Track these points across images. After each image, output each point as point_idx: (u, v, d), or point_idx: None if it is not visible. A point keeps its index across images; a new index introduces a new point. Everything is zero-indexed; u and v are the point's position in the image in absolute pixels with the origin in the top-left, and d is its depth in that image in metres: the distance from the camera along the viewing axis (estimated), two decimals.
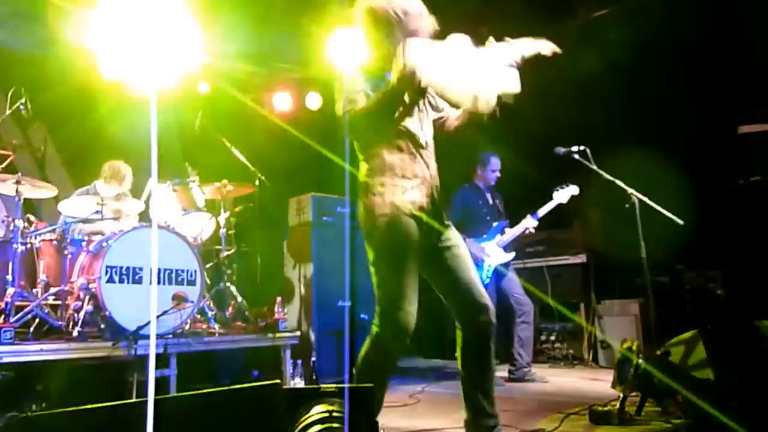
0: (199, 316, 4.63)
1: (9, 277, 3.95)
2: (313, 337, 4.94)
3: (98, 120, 6.11)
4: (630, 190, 3.63)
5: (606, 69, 5.66)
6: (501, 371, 4.96)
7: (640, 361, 3.06)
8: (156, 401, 1.79)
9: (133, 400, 3.01)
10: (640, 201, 3.60)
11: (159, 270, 4.18)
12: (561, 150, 3.99)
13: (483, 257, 4.80)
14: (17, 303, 3.92)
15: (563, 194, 4.83)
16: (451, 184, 5.15)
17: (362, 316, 5.17)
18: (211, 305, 4.83)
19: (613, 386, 3.23)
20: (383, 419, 2.76)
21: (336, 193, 5.38)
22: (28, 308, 3.92)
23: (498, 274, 4.87)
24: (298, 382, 4.48)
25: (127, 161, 5.22)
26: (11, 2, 5.67)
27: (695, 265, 5.11)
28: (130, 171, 5.14)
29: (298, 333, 4.91)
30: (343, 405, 2.08)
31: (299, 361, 4.62)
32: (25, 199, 4.28)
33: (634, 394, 3.13)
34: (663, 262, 4.60)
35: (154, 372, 3.55)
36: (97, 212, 4.37)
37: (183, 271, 4.27)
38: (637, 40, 5.43)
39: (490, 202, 5.09)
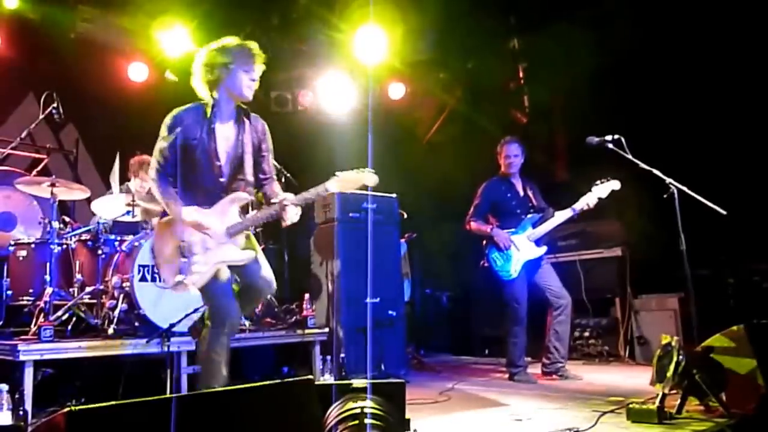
0: None
1: (47, 277, 4.04)
2: (341, 333, 4.93)
3: (127, 122, 6.21)
4: (668, 180, 3.51)
5: (646, 52, 5.54)
6: (534, 368, 4.89)
7: (681, 357, 2.97)
8: (190, 397, 1.80)
9: (169, 395, 3.04)
10: (679, 191, 3.47)
11: None
12: (594, 140, 3.87)
13: (511, 249, 4.71)
14: (55, 302, 4.01)
15: (603, 189, 4.61)
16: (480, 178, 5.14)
17: (390, 312, 5.14)
18: None
19: (652, 384, 3.14)
20: (413, 416, 2.72)
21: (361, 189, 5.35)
22: (66, 307, 4.02)
23: (531, 268, 4.76)
24: (328, 378, 4.48)
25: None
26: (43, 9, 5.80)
27: (738, 258, 4.94)
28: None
29: (326, 329, 4.90)
30: (376, 401, 2.06)
31: (328, 357, 4.62)
32: (59, 200, 4.35)
33: (674, 391, 3.03)
34: (703, 254, 4.45)
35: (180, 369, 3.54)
36: (128, 212, 4.41)
37: None
38: (677, 23, 5.29)
39: (521, 193, 4.92)
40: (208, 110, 3.05)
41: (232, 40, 3.07)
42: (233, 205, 3.06)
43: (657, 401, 2.97)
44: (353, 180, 3.03)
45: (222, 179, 3.05)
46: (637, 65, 5.63)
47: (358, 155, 5.18)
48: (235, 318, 3.13)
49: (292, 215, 3.00)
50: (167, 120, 3.04)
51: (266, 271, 3.20)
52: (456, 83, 7.46)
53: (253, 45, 3.07)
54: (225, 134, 3.09)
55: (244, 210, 3.14)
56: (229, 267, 3.09)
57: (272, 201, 3.12)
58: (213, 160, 3.02)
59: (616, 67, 5.71)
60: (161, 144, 3.02)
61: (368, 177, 3.04)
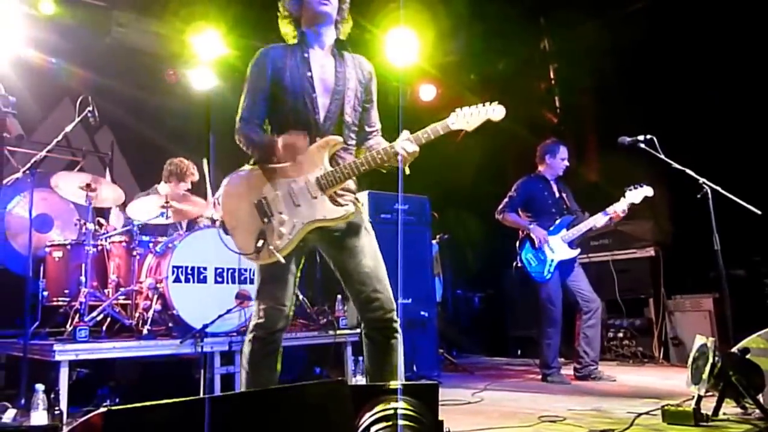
0: None
1: (82, 278, 4.13)
2: None
3: (161, 125, 6.32)
4: (701, 180, 3.44)
5: (679, 51, 5.44)
6: (567, 369, 4.84)
7: (717, 359, 2.90)
8: (224, 398, 1.82)
9: (203, 396, 3.08)
10: (713, 190, 3.41)
11: (222, 269, 4.28)
12: (626, 140, 3.82)
13: (545, 247, 4.68)
14: (90, 303, 4.09)
15: (636, 194, 4.56)
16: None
17: (422, 313, 5.13)
18: None
19: (688, 385, 3.08)
20: (447, 417, 2.72)
21: (392, 189, 5.36)
22: (101, 308, 4.09)
23: (563, 270, 4.72)
24: (360, 380, 4.49)
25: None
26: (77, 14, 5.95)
27: None
28: (192, 166, 5.18)
29: (358, 330, 4.91)
30: (410, 402, 2.06)
31: (360, 358, 4.62)
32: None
33: (710, 393, 2.97)
34: (738, 254, 4.36)
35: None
36: (161, 214, 4.48)
37: (246, 269, 4.35)
38: (708, 23, 5.19)
39: (557, 194, 4.90)
40: (300, 41, 2.61)
41: None
42: (324, 151, 2.49)
43: (693, 403, 2.92)
44: (477, 114, 2.55)
45: (317, 116, 2.51)
46: (669, 64, 5.52)
47: None
48: (269, 321, 2.62)
49: (409, 150, 2.51)
50: (254, 58, 2.58)
51: (373, 263, 2.65)
52: (487, 84, 7.42)
53: None
54: (321, 62, 2.58)
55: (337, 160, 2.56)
56: (325, 249, 2.64)
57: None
58: (307, 90, 2.51)
59: (647, 67, 5.61)
60: (246, 87, 2.56)
61: (496, 110, 2.55)
